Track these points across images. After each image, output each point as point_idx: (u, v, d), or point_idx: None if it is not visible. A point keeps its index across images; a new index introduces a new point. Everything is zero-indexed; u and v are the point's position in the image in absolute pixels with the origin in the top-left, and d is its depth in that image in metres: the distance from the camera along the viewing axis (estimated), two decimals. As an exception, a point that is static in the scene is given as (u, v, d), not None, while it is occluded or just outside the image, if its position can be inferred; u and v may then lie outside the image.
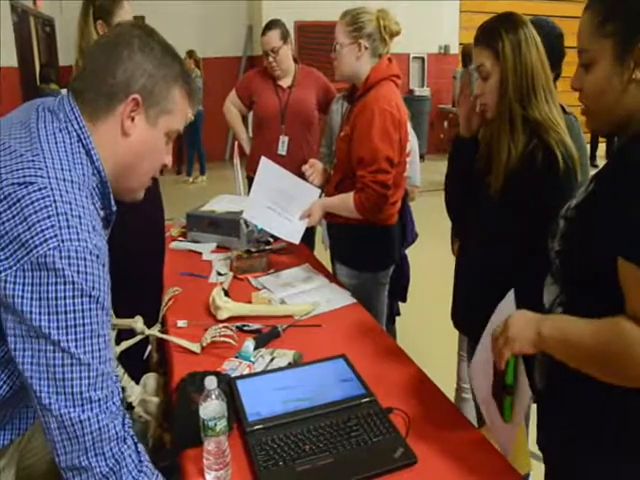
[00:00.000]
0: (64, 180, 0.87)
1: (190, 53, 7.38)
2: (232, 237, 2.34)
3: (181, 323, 1.71)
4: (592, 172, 1.14)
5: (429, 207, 3.65)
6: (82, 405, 0.86)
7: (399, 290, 2.43)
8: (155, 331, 1.62)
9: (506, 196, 1.40)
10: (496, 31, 1.39)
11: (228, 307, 1.72)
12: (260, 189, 2.09)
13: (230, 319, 1.71)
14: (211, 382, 1.08)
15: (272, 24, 2.94)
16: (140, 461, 0.94)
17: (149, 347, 1.74)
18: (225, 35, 8.55)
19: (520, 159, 1.37)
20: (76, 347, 0.84)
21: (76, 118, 0.93)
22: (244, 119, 3.27)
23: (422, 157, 8.01)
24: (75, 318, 0.84)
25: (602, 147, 6.96)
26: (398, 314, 2.64)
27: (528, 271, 1.18)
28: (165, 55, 0.97)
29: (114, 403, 0.90)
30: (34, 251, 0.81)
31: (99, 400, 0.88)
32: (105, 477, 0.89)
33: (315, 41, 7.69)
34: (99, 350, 0.87)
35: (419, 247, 2.68)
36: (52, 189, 0.85)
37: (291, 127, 2.97)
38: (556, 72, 1.61)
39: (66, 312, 0.83)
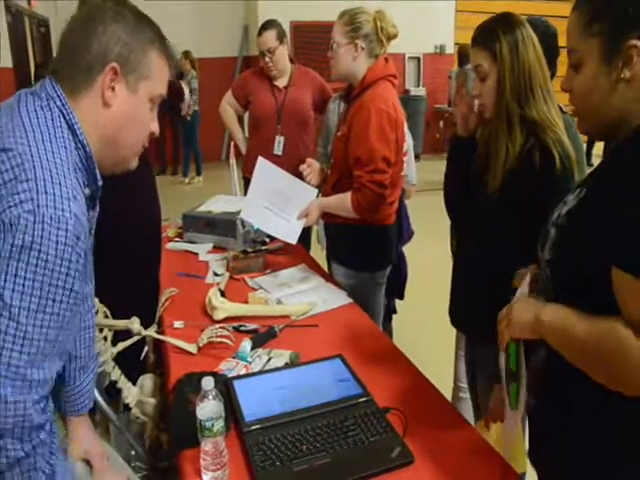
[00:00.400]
0: (45, 150, 0.87)
1: (186, 54, 7.36)
2: (228, 237, 2.34)
3: (177, 324, 1.71)
4: (588, 171, 1.14)
5: (426, 206, 3.66)
6: (14, 380, 0.82)
7: (397, 287, 2.43)
8: (152, 332, 1.62)
9: (504, 196, 1.40)
10: (493, 32, 1.39)
11: (225, 307, 1.72)
12: (257, 189, 2.08)
13: (227, 319, 1.71)
14: (208, 383, 1.08)
15: (268, 24, 2.94)
16: (52, 442, 0.91)
17: (146, 348, 1.73)
18: (221, 35, 8.55)
19: (518, 159, 1.37)
20: (26, 317, 0.82)
21: (58, 96, 0.93)
22: (240, 119, 3.27)
23: (418, 157, 8.01)
24: (33, 287, 0.81)
25: (599, 146, 6.96)
26: (395, 312, 2.65)
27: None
28: (139, 22, 0.97)
29: (47, 388, 0.87)
30: (7, 211, 0.80)
31: (38, 381, 0.84)
32: (18, 461, 0.85)
33: (311, 41, 7.69)
34: (48, 327, 0.84)
35: (416, 246, 2.68)
36: (32, 155, 0.85)
37: (287, 127, 2.97)
38: (552, 71, 1.62)
39: (25, 278, 0.81)
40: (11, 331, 0.81)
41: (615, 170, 0.90)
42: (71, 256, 0.84)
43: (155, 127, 1.05)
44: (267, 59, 2.91)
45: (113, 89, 0.95)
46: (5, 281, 0.80)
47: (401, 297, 2.52)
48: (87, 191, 0.97)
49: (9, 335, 0.81)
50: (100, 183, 1.00)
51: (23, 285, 0.81)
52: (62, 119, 0.93)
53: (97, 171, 0.98)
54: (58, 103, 0.93)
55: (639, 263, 0.81)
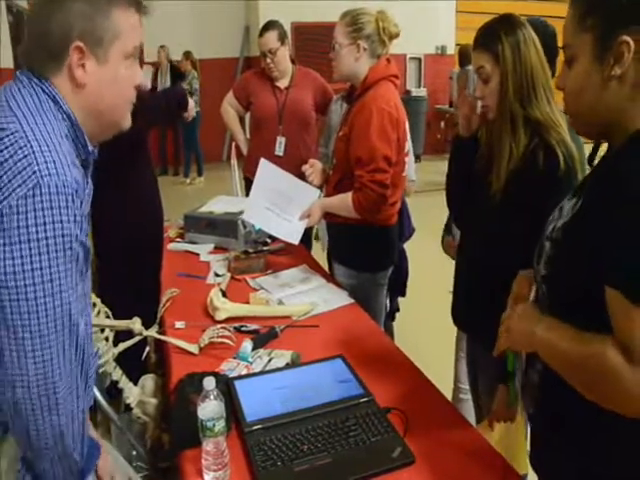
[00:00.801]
0: (36, 123, 0.88)
1: (187, 54, 7.38)
2: (230, 238, 2.34)
3: (179, 324, 1.71)
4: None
5: (427, 206, 3.66)
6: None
7: (398, 286, 2.43)
8: (153, 332, 1.62)
9: (507, 196, 1.40)
10: (495, 33, 1.39)
11: (226, 308, 1.73)
12: (259, 190, 2.09)
13: (228, 320, 1.71)
14: (209, 383, 1.08)
15: (270, 25, 2.94)
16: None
17: (147, 348, 1.74)
18: (222, 36, 8.54)
19: (522, 159, 1.37)
20: (59, 285, 0.85)
21: (37, 78, 0.93)
22: (241, 120, 3.27)
23: (419, 157, 8.01)
24: (57, 259, 0.84)
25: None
26: (398, 310, 2.65)
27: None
28: None
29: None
30: (13, 194, 0.81)
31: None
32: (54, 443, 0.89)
33: (312, 42, 7.69)
34: (75, 286, 0.89)
35: (417, 246, 2.68)
36: (25, 131, 0.86)
37: (288, 128, 2.98)
38: (551, 70, 1.62)
39: (48, 252, 0.83)
40: (42, 307, 0.84)
41: (611, 184, 0.86)
42: (82, 218, 0.88)
43: (139, 78, 1.02)
44: (268, 60, 2.91)
45: (84, 66, 0.93)
46: (23, 264, 0.82)
47: (403, 294, 2.52)
48: (77, 162, 0.96)
49: (41, 314, 0.84)
50: (91, 149, 0.99)
51: (49, 259, 0.83)
52: (44, 94, 0.92)
53: (86, 138, 0.97)
54: (36, 81, 0.93)
55: (633, 285, 0.79)
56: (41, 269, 0.82)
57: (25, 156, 0.83)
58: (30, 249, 0.82)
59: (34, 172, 0.82)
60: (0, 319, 0.83)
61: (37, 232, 0.82)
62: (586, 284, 0.86)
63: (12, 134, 0.85)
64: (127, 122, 1.04)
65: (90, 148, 0.98)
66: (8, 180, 0.82)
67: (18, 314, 0.83)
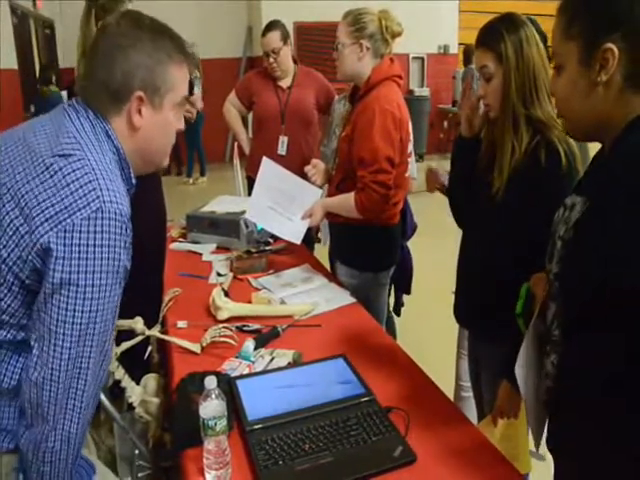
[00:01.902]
0: (97, 152, 0.96)
1: (190, 54, 7.39)
2: (232, 238, 2.34)
3: (181, 324, 1.71)
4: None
5: (428, 205, 3.65)
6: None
7: (403, 283, 2.43)
8: (155, 332, 1.62)
9: (509, 194, 1.40)
10: (498, 32, 1.39)
11: (228, 307, 1.73)
12: (262, 189, 2.09)
13: (230, 319, 1.71)
14: (211, 382, 1.08)
15: (272, 25, 2.95)
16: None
17: (149, 348, 1.74)
18: (225, 36, 8.55)
19: (524, 156, 1.37)
20: (109, 302, 0.92)
21: (92, 111, 1.00)
22: (244, 120, 3.28)
23: (421, 157, 8.02)
24: (107, 279, 0.90)
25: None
26: (402, 305, 2.65)
27: (530, 270, 1.18)
28: (154, 39, 1.01)
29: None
30: (77, 214, 0.87)
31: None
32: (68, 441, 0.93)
33: (314, 42, 7.69)
34: (116, 305, 0.95)
35: (419, 245, 2.68)
36: (89, 159, 0.93)
37: (291, 127, 2.98)
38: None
39: (101, 272, 0.89)
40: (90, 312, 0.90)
41: (618, 177, 0.85)
42: (129, 245, 0.95)
43: (181, 125, 1.11)
44: (271, 60, 2.92)
45: (140, 112, 1.01)
46: (86, 279, 0.88)
47: (408, 292, 2.52)
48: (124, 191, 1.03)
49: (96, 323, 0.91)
50: (134, 182, 1.07)
51: (100, 278, 0.89)
52: (99, 127, 0.99)
53: (131, 171, 1.05)
54: (92, 115, 1.00)
55: None
56: (92, 286, 0.88)
57: (90, 181, 0.90)
58: (86, 266, 0.87)
59: (98, 197, 0.89)
60: (45, 320, 0.88)
61: (94, 252, 0.88)
62: (597, 281, 0.86)
63: (79, 160, 0.92)
64: (166, 161, 1.15)
65: (133, 181, 1.06)
66: (74, 200, 0.88)
67: (63, 322, 0.88)
